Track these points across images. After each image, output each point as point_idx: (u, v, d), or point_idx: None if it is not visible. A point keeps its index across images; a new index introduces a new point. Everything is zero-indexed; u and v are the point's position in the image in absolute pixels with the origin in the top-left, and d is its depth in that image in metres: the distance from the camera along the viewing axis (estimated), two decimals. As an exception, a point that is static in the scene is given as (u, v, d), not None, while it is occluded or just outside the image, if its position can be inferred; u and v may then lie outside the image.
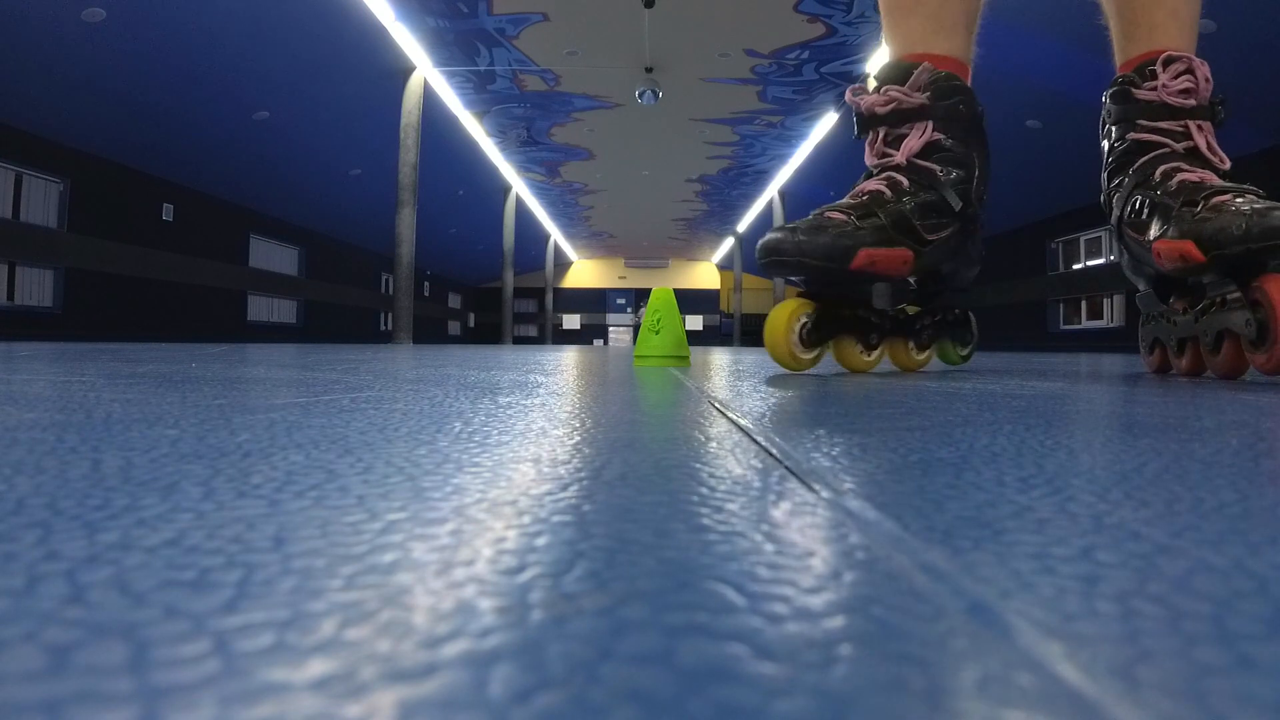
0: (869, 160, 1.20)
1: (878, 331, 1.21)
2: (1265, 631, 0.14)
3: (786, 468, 0.30)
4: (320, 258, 10.80)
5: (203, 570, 0.16)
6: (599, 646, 0.12)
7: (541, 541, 0.19)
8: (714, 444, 0.37)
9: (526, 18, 7.13)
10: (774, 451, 0.34)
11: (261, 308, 9.52)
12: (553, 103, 9.48)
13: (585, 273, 22.39)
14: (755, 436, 0.39)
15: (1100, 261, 8.40)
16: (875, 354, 1.22)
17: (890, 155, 1.17)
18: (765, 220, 14.50)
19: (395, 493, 0.24)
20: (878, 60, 7.83)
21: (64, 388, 0.68)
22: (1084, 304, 8.76)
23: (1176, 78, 1.13)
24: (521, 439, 0.38)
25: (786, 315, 1.12)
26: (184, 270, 7.91)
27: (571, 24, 7.27)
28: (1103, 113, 1.26)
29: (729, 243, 18.35)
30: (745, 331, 17.49)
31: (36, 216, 6.32)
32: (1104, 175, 1.27)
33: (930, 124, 1.16)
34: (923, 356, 1.33)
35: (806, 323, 1.14)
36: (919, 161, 1.16)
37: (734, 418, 0.49)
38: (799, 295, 1.16)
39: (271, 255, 9.77)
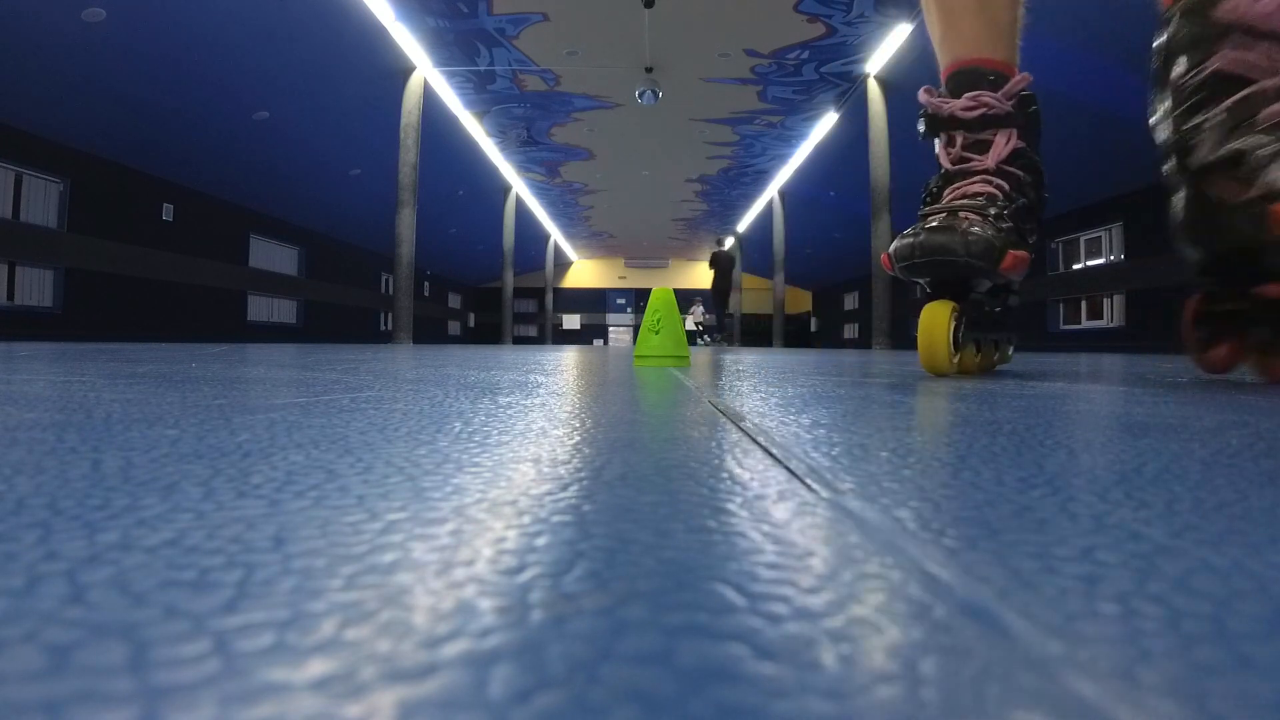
0: (944, 161, 1.18)
1: (991, 331, 1.21)
2: (1265, 631, 0.14)
3: (786, 468, 0.30)
4: (320, 258, 10.80)
5: (203, 570, 0.16)
6: (599, 646, 0.12)
7: (541, 541, 0.19)
8: (714, 444, 0.37)
9: (526, 18, 7.13)
10: (774, 451, 0.34)
11: (261, 308, 9.52)
12: (553, 103, 9.48)
13: (585, 273, 22.40)
14: (755, 437, 0.39)
15: (1100, 261, 8.40)
16: (979, 356, 1.21)
17: (973, 160, 1.15)
18: (765, 220, 14.51)
19: (395, 493, 0.24)
20: (877, 60, 7.84)
21: (64, 388, 0.68)
22: (1084, 304, 8.76)
23: None
24: (521, 439, 0.38)
25: (946, 316, 1.06)
26: (184, 270, 7.91)
27: (571, 24, 7.27)
28: (1157, 42, 1.07)
29: (729, 243, 18.35)
30: (745, 331, 17.48)
31: (36, 216, 6.33)
32: (1164, 116, 1.07)
33: (1015, 131, 1.14)
34: (997, 355, 1.34)
35: (958, 324, 1.09)
36: (1007, 167, 1.13)
37: (733, 418, 0.49)
38: (937, 298, 1.10)
39: (271, 255, 9.77)
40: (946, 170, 1.17)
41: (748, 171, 12.64)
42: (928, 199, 1.18)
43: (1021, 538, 0.20)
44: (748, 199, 14.62)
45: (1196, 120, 1.00)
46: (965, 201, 1.11)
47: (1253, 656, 0.12)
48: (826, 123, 9.68)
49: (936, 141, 1.19)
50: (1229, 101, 0.97)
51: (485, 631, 0.13)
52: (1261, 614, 0.14)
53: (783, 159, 11.67)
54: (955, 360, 1.09)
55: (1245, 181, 0.93)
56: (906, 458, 0.33)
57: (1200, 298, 1.13)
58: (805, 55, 7.86)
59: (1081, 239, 8.67)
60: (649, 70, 8.18)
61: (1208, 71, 0.99)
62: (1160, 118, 1.08)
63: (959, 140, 1.16)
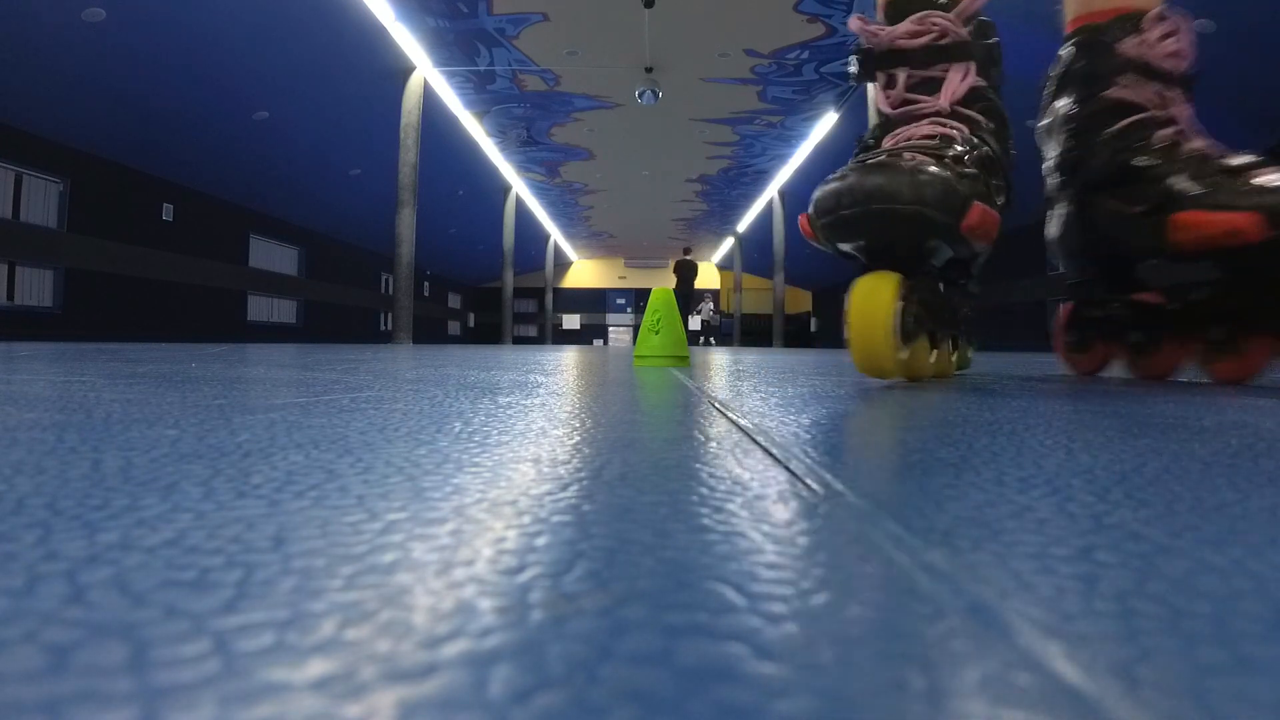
0: (883, 106, 0.96)
1: (948, 325, 0.97)
2: (1265, 631, 0.14)
3: (786, 468, 0.30)
4: (320, 258, 10.79)
5: (203, 570, 0.16)
6: (599, 646, 0.12)
7: (541, 541, 0.19)
8: (714, 444, 0.37)
9: (526, 18, 7.13)
10: (774, 451, 0.34)
11: (261, 308, 9.52)
12: (553, 103, 9.48)
13: (585, 273, 22.39)
14: (755, 436, 0.39)
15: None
16: (935, 355, 0.95)
17: (921, 101, 0.92)
18: (765, 220, 14.50)
19: (395, 493, 0.24)
20: (878, 60, 7.83)
21: (64, 388, 0.68)
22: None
23: (1165, 38, 1.01)
24: (521, 439, 0.38)
25: (890, 292, 0.76)
26: (184, 270, 7.91)
27: (571, 24, 7.27)
28: (1053, 69, 1.12)
29: (729, 243, 18.35)
30: (745, 331, 17.49)
31: (36, 216, 6.32)
32: (1052, 137, 1.12)
33: (973, 65, 0.92)
34: (955, 357, 1.08)
35: (906, 306, 0.79)
36: (964, 109, 0.92)
37: (734, 418, 0.49)
38: (873, 269, 0.81)
39: (271, 255, 9.77)
40: (886, 116, 0.95)
41: (748, 171, 12.63)
42: (859, 152, 0.95)
43: (1021, 538, 0.20)
44: (748, 199, 14.60)
45: (1088, 140, 1.05)
46: (913, 143, 0.87)
47: (1253, 656, 0.12)
48: (826, 123, 9.68)
49: (873, 86, 1.00)
50: (1123, 123, 1.02)
51: (485, 631, 0.13)
52: (1261, 614, 0.14)
53: (783, 159, 11.66)
54: (902, 356, 0.80)
55: (1139, 196, 0.97)
56: (906, 458, 0.33)
57: (1072, 305, 1.20)
58: (805, 55, 7.85)
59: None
60: (649, 70, 8.17)
61: (1102, 99, 1.04)
62: (1049, 138, 1.12)
63: (901, 79, 0.93)
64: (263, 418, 0.45)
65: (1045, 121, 1.15)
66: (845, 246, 0.85)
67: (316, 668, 0.11)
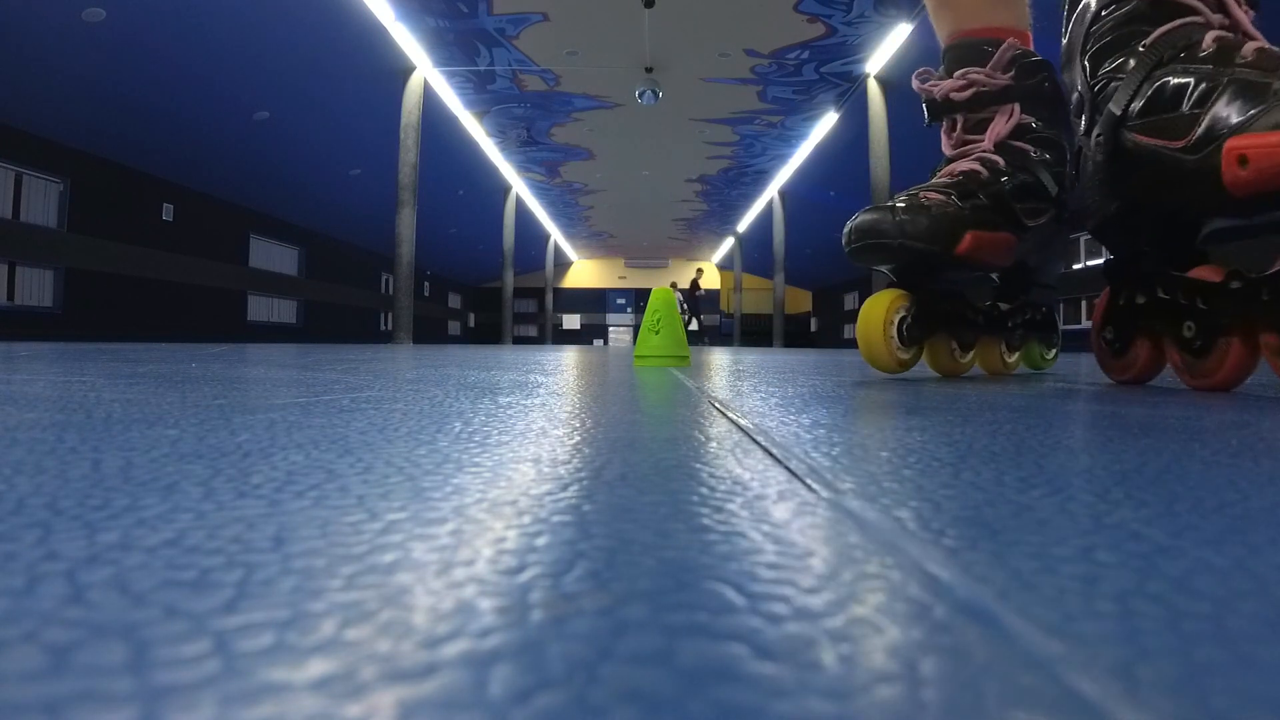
0: (946, 149, 1.09)
1: (974, 329, 1.09)
2: (1265, 631, 0.14)
3: (787, 468, 0.30)
4: (320, 258, 10.79)
5: (203, 570, 0.16)
6: (599, 646, 0.12)
7: (541, 541, 0.19)
8: (714, 444, 0.37)
9: (526, 18, 7.13)
10: (774, 451, 0.34)
11: (261, 308, 9.52)
12: (553, 103, 9.48)
13: (585, 273, 22.39)
14: (755, 436, 0.39)
15: (1100, 261, 8.40)
16: (970, 355, 1.11)
17: (974, 141, 1.05)
18: (765, 220, 14.50)
19: (395, 493, 0.24)
20: (877, 60, 7.83)
21: (64, 388, 0.68)
22: (1084, 304, 8.76)
23: None
24: (521, 439, 0.38)
25: (884, 308, 0.99)
26: (184, 270, 7.91)
27: (571, 24, 7.27)
28: None
29: (729, 243, 18.35)
30: (745, 332, 17.49)
31: (36, 216, 6.33)
32: (1073, 65, 0.89)
33: (1016, 106, 1.03)
34: (1014, 359, 1.21)
35: (906, 316, 1.01)
36: (1011, 143, 1.03)
37: (734, 418, 0.49)
38: (891, 286, 1.03)
39: (271, 255, 9.77)
40: (948, 156, 1.09)
41: (748, 171, 12.63)
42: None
43: (1021, 538, 0.20)
44: (748, 199, 14.61)
45: (1119, 58, 0.81)
46: (937, 180, 1.03)
47: (1253, 656, 0.12)
48: (826, 123, 9.68)
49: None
50: (1159, 31, 0.77)
51: (485, 631, 0.13)
52: (1261, 614, 0.14)
53: (783, 159, 11.66)
54: (905, 358, 1.01)
55: (1180, 124, 0.72)
56: (906, 458, 0.33)
57: (1108, 292, 0.93)
58: (805, 55, 7.86)
59: (1082, 239, 8.67)
60: (649, 70, 8.17)
61: (1134, 1, 0.81)
62: (1069, 67, 0.91)
63: (959, 123, 1.07)
64: (263, 418, 0.45)
65: (1068, 50, 0.91)
66: (877, 269, 1.05)
67: (316, 668, 0.11)
